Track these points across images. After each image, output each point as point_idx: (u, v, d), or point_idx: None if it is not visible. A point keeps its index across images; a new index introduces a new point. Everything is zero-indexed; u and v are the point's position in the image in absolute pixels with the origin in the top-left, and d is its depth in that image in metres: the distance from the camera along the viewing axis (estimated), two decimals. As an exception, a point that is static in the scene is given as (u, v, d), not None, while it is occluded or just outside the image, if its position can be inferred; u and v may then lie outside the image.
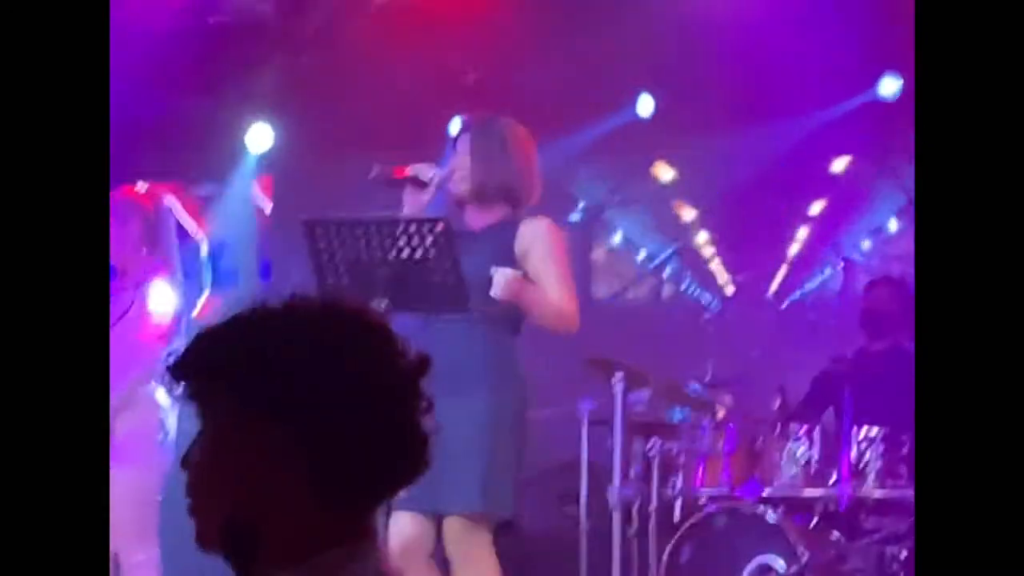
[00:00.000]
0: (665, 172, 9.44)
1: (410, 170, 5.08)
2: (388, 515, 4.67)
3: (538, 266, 5.01)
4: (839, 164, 9.15)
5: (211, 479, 2.02)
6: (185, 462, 2.06)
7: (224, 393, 1.99)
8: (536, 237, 5.05)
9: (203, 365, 2.01)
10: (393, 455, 2.00)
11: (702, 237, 9.76)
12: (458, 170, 5.13)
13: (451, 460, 4.76)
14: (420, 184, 5.08)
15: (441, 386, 4.62)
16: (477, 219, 5.17)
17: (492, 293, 4.86)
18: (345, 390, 1.97)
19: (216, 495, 2.01)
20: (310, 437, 1.96)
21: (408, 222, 4.77)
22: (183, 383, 2.02)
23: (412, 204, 5.08)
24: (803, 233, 9.52)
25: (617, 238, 9.96)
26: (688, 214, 9.69)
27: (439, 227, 4.69)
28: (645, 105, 8.75)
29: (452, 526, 4.96)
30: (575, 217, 9.90)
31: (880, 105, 7.96)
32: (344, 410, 1.96)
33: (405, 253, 4.68)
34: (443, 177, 5.11)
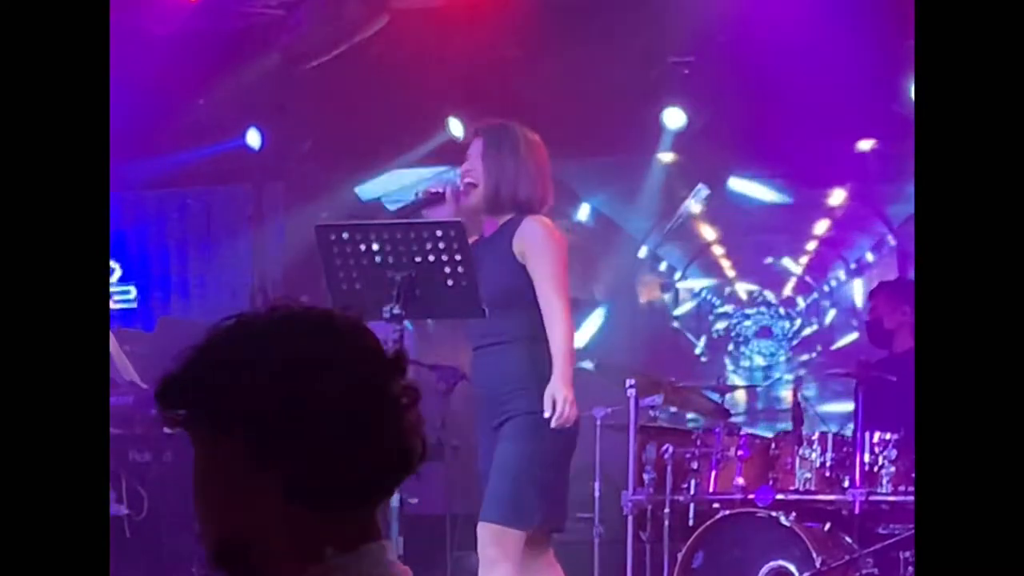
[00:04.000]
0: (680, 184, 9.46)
1: (428, 189, 5.10)
2: (401, 521, 4.68)
3: (537, 272, 5.00)
4: (853, 172, 9.16)
5: (203, 497, 2.01)
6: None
7: (203, 414, 1.99)
8: (534, 238, 5.03)
9: (182, 391, 2.00)
10: (375, 455, 1.99)
11: (716, 246, 9.77)
12: (470, 180, 5.12)
13: (495, 474, 4.93)
14: (438, 197, 5.08)
15: (488, 409, 4.68)
16: (488, 226, 5.19)
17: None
18: (319, 396, 1.95)
19: (207, 515, 2.01)
20: (289, 446, 1.95)
21: (421, 225, 4.77)
22: (170, 411, 2.02)
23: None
24: (818, 238, 9.52)
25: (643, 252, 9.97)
26: (703, 225, 9.70)
27: (452, 230, 4.69)
28: (674, 119, 8.72)
29: (483, 531, 5.00)
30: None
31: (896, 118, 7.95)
32: (319, 415, 1.95)
33: (418, 257, 4.68)
34: (456, 187, 5.11)
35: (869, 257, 9.43)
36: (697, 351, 9.82)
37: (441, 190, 5.09)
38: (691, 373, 9.30)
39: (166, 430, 7.08)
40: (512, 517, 5.00)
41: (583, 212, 9.83)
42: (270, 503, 1.96)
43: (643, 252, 9.79)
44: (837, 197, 9.41)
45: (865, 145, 8.93)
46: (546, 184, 5.19)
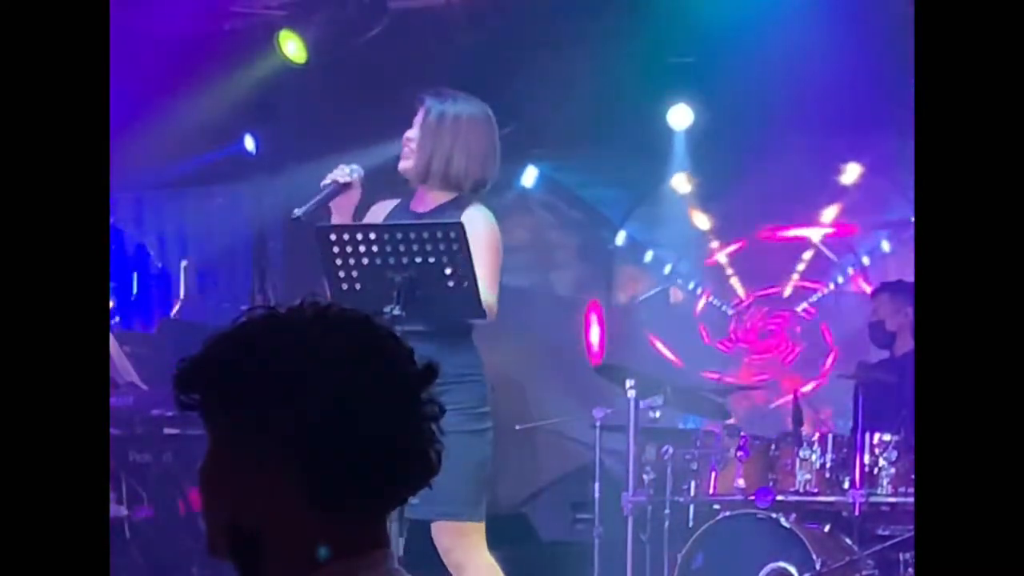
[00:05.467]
0: (682, 182, 9.46)
1: (328, 179, 4.95)
2: (401, 523, 4.66)
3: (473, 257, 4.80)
4: (854, 170, 9.17)
5: (215, 487, 2.01)
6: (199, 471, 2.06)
7: (226, 402, 1.98)
8: (473, 226, 4.83)
9: (206, 375, 2.00)
10: (397, 463, 1.99)
11: (715, 243, 9.77)
12: (405, 147, 5.03)
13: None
14: (344, 186, 4.95)
15: None
16: (422, 202, 5.07)
17: None
18: (348, 398, 1.95)
19: (221, 503, 2.00)
20: (312, 445, 1.94)
21: (422, 226, 4.76)
22: (187, 394, 2.01)
23: (340, 207, 4.97)
24: (819, 237, 9.53)
25: (631, 246, 9.96)
26: (701, 221, 9.70)
27: (453, 231, 4.68)
28: (680, 117, 8.73)
29: (440, 531, 4.93)
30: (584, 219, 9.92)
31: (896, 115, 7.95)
32: (347, 418, 1.95)
33: (419, 258, 4.67)
34: (361, 175, 4.96)
35: (871, 257, 9.44)
36: (697, 351, 9.82)
37: (348, 179, 4.94)
38: (691, 373, 9.31)
39: (166, 431, 7.05)
40: (474, 512, 4.93)
41: (584, 211, 9.84)
42: (285, 498, 1.96)
43: (649, 256, 9.79)
44: (838, 194, 9.41)
45: (866, 144, 8.94)
46: (484, 163, 5.04)
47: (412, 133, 5.06)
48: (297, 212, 4.87)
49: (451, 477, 4.73)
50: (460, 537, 4.94)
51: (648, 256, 9.94)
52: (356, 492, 1.97)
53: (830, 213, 9.44)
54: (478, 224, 4.89)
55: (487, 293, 4.81)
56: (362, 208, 5.09)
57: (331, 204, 4.97)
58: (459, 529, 4.94)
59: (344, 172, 4.96)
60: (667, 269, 9.93)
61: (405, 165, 5.05)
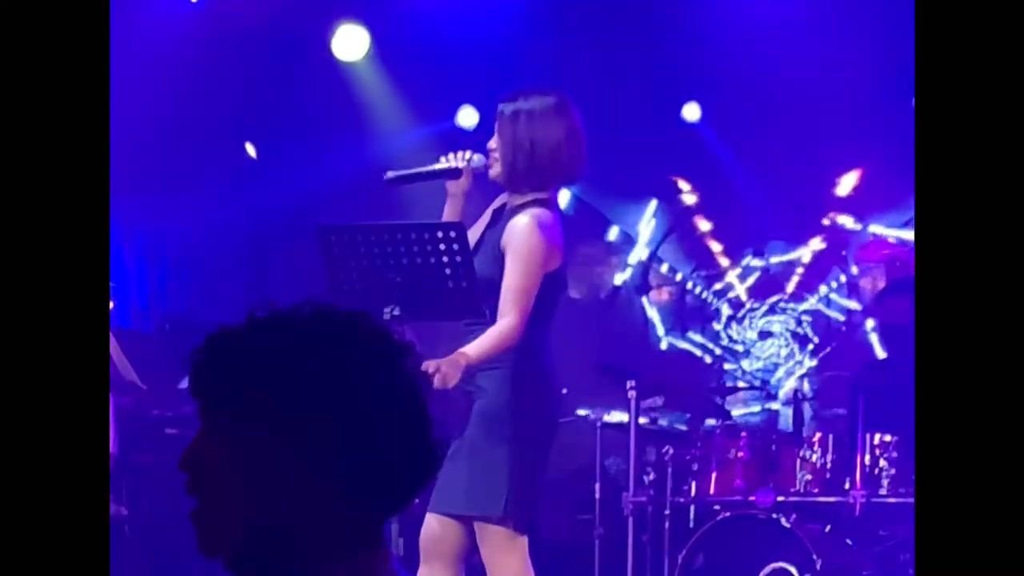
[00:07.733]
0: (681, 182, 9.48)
1: (442, 162, 4.97)
2: (401, 523, 4.66)
3: (506, 274, 4.76)
4: (856, 169, 9.17)
5: (215, 485, 2.01)
6: (186, 463, 2.05)
7: (234, 396, 1.98)
8: (514, 234, 4.79)
9: (215, 365, 2.01)
10: (398, 463, 1.99)
11: (715, 246, 9.77)
12: (492, 153, 4.94)
13: (474, 464, 4.77)
14: (454, 173, 4.96)
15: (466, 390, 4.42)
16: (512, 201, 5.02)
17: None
18: (349, 398, 1.95)
19: (225, 500, 2.00)
20: (313, 445, 1.95)
21: (422, 226, 4.75)
22: (194, 382, 2.02)
23: (451, 193, 4.98)
24: (821, 236, 9.51)
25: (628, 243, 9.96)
26: (703, 223, 9.69)
27: (453, 231, 4.68)
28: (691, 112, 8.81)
29: (479, 530, 4.92)
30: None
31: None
32: (347, 418, 1.95)
33: (419, 258, 4.67)
34: (473, 165, 4.94)
35: (872, 257, 9.42)
36: (698, 353, 9.81)
37: (460, 165, 4.96)
38: (692, 374, 9.30)
39: (166, 431, 7.09)
40: (506, 509, 4.85)
41: (585, 212, 9.82)
42: (285, 498, 1.96)
43: (644, 254, 9.79)
44: (840, 196, 9.40)
45: (867, 144, 8.93)
46: (571, 155, 4.91)
47: (493, 142, 4.96)
48: (390, 174, 4.90)
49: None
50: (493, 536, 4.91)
51: (664, 267, 9.94)
52: (356, 492, 1.97)
53: (831, 212, 9.44)
54: (515, 233, 4.80)
55: (505, 310, 4.71)
56: (473, 199, 5.07)
57: (448, 189, 4.99)
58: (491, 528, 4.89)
59: (455, 158, 4.96)
60: (678, 276, 9.91)
61: (493, 172, 4.95)
